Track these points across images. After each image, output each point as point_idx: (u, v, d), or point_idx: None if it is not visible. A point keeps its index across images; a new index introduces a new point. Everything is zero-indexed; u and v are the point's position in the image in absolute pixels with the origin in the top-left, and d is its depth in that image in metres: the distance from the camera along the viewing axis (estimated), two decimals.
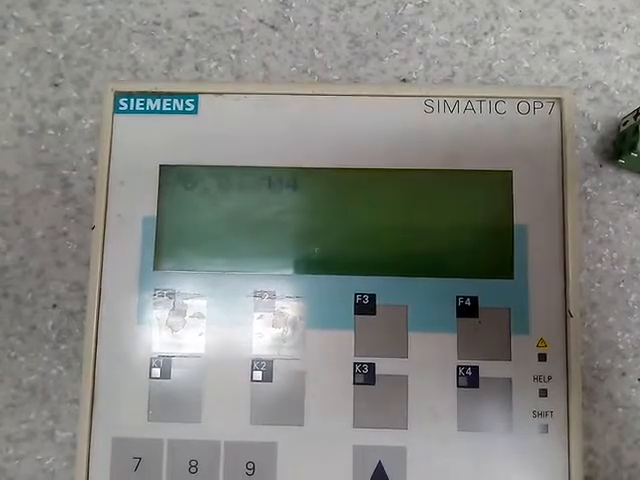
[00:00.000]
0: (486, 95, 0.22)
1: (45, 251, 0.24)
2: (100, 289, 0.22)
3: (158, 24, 0.26)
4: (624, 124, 0.24)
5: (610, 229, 0.24)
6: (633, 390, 0.23)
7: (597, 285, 0.24)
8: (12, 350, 0.24)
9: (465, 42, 0.25)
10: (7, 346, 0.24)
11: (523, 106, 0.22)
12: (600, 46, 0.25)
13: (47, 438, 0.23)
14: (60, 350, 0.24)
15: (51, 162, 0.25)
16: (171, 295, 0.22)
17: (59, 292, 0.24)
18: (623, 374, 0.23)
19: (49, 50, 0.26)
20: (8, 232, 0.24)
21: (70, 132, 0.25)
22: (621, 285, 0.24)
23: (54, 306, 0.24)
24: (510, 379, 0.21)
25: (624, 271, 0.24)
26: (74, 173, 0.25)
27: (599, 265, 0.24)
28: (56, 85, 0.25)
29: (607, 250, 0.24)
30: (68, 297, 0.24)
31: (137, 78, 0.25)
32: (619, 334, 0.23)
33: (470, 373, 0.21)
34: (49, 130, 0.25)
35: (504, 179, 0.22)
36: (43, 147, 0.25)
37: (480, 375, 0.21)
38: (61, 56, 0.26)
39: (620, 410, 0.23)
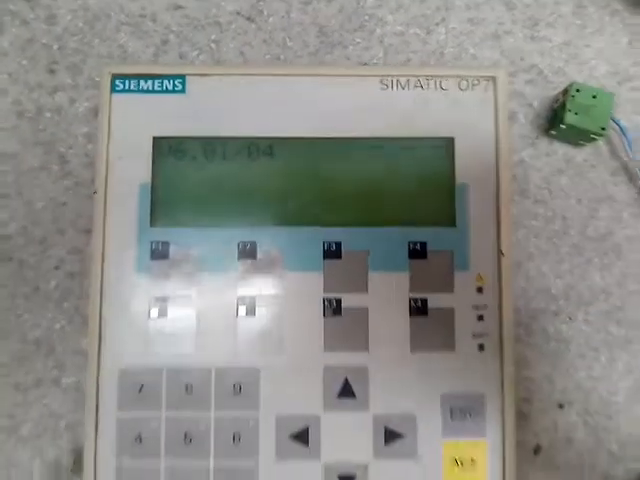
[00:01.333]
0: (432, 74, 0.25)
1: (46, 220, 0.26)
2: (104, 242, 0.24)
3: (144, 16, 0.27)
4: (556, 101, 0.26)
5: (544, 191, 0.27)
6: (564, 326, 0.26)
7: (533, 239, 0.26)
8: (18, 309, 0.25)
9: (419, 32, 0.27)
10: (13, 306, 0.25)
11: (463, 83, 0.25)
12: (536, 34, 0.28)
13: (53, 385, 0.25)
14: (63, 307, 0.25)
15: (49, 140, 0.26)
16: (166, 246, 0.24)
17: (61, 256, 0.26)
18: (555, 314, 0.26)
19: (44, 41, 0.27)
20: (12, 204, 0.26)
21: (66, 115, 0.26)
22: (554, 240, 0.26)
23: (56, 268, 0.26)
24: (453, 308, 0.24)
25: (556, 227, 0.27)
26: (71, 151, 0.26)
27: (534, 222, 0.26)
28: (52, 72, 0.27)
29: (542, 209, 0.27)
30: (69, 260, 0.26)
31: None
32: (552, 281, 0.26)
33: (420, 305, 0.24)
34: (46, 113, 0.26)
35: (447, 144, 0.25)
36: (41, 127, 0.26)
37: (429, 306, 0.24)
38: (56, 47, 0.27)
39: (553, 343, 0.26)
